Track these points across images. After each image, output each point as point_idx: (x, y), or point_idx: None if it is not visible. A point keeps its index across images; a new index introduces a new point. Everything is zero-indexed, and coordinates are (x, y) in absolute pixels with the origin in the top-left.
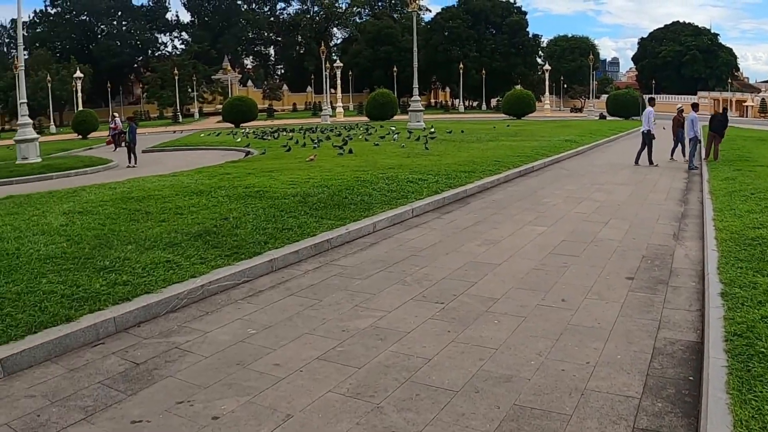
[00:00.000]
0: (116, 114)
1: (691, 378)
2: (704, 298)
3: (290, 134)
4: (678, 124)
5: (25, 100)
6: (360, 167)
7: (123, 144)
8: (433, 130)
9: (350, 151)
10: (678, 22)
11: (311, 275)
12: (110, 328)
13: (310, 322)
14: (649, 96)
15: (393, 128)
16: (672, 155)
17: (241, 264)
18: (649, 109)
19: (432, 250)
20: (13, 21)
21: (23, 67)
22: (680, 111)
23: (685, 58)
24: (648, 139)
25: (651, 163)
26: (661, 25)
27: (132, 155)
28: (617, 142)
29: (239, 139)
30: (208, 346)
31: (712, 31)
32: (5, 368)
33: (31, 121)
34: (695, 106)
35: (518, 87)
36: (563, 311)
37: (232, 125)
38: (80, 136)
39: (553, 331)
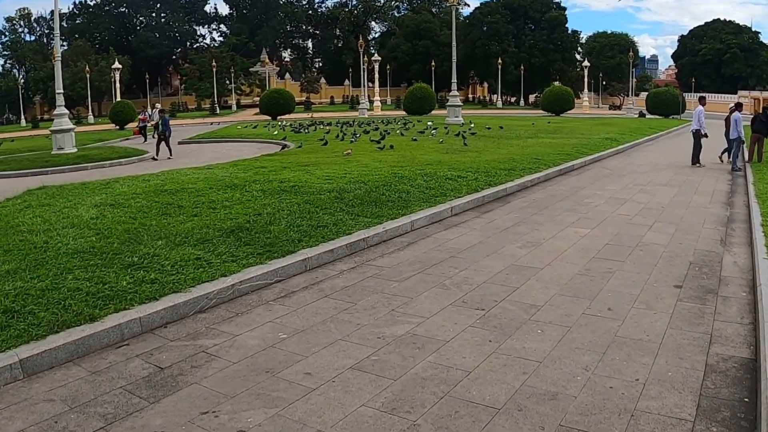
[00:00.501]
0: (156, 105)
1: (746, 400)
2: (756, 310)
3: (327, 128)
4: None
5: (62, 91)
6: (398, 163)
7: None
8: (472, 125)
9: (390, 147)
10: (718, 20)
11: (346, 276)
12: (135, 329)
13: (344, 328)
14: (700, 95)
15: (431, 123)
16: (721, 156)
17: (273, 263)
18: (699, 108)
19: (472, 252)
20: (52, 12)
21: (60, 58)
22: (732, 110)
23: (725, 57)
24: (697, 138)
25: (696, 163)
26: (702, 23)
27: (168, 147)
28: (658, 141)
29: (276, 132)
30: (236, 350)
31: (753, 29)
32: (25, 369)
33: (67, 111)
34: (739, 106)
35: (556, 83)
36: (610, 321)
37: (270, 117)
38: (117, 127)
39: (600, 344)
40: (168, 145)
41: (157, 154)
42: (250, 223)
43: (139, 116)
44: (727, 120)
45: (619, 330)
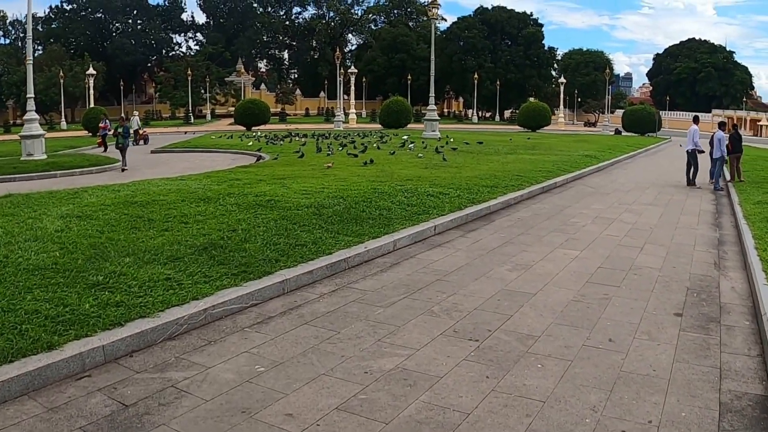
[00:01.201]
0: (134, 113)
1: None
2: (763, 341)
3: (303, 139)
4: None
5: (33, 95)
6: (377, 177)
7: (135, 143)
8: (451, 140)
9: (371, 161)
10: (693, 39)
11: (327, 300)
12: (98, 358)
13: (327, 360)
14: (694, 114)
15: (407, 137)
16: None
17: (249, 285)
18: (693, 127)
19: (459, 275)
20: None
21: (31, 61)
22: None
23: (700, 75)
24: (693, 158)
25: (692, 184)
26: (677, 42)
27: (122, 158)
28: (636, 159)
29: (250, 143)
30: (209, 386)
31: (728, 49)
32: None
33: (37, 116)
34: (722, 125)
35: (532, 99)
36: (613, 354)
37: (244, 128)
38: (90, 134)
39: (605, 380)
40: (124, 157)
41: (125, 164)
42: (224, 240)
43: (100, 125)
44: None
45: (623, 364)
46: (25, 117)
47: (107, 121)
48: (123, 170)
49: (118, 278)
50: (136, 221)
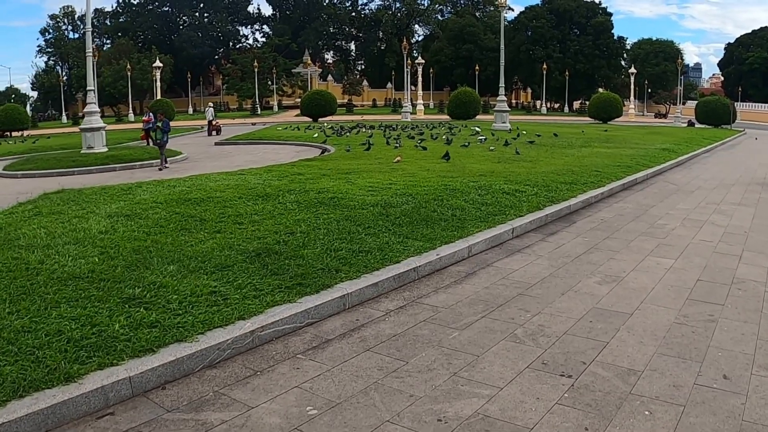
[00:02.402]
0: (210, 104)
1: None
2: None
3: (370, 131)
4: None
5: (93, 88)
6: (447, 172)
7: (211, 133)
8: (523, 132)
9: (446, 157)
10: (766, 27)
11: (394, 319)
12: (124, 392)
13: (393, 401)
14: None
15: (477, 128)
16: None
17: (304, 301)
18: None
19: (543, 288)
20: (97, 11)
21: (90, 53)
22: None
23: None
24: None
25: None
26: (749, 31)
27: (161, 156)
28: (715, 152)
29: (316, 135)
30: None
31: None
32: None
33: (98, 109)
34: None
35: (601, 90)
36: (731, 397)
37: (311, 119)
38: None
39: None
40: (162, 154)
41: (162, 163)
42: (279, 245)
43: (143, 118)
44: None
45: (745, 411)
46: (85, 110)
47: (151, 114)
48: (161, 169)
49: (157, 291)
50: (186, 221)
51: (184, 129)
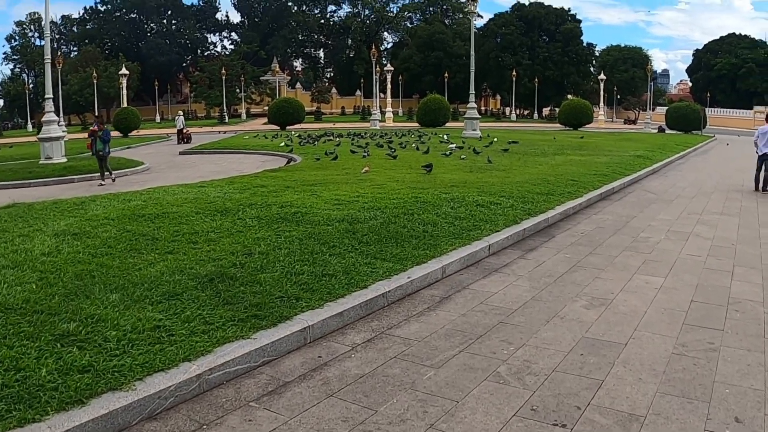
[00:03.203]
0: (179, 112)
1: None
2: None
3: (338, 140)
4: None
5: (51, 95)
6: (417, 183)
7: (180, 141)
8: (495, 139)
9: (429, 167)
10: (733, 34)
11: (361, 355)
12: None
13: None
14: (767, 112)
15: (446, 136)
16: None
17: (260, 336)
18: (765, 127)
19: (526, 314)
20: (64, 17)
21: (49, 60)
22: None
23: (741, 71)
24: (765, 161)
25: (764, 188)
26: (716, 37)
27: (106, 169)
28: (689, 159)
29: (282, 144)
30: None
31: None
32: None
33: (56, 117)
34: None
35: (570, 96)
36: None
37: (278, 127)
38: (121, 135)
39: None
40: (106, 166)
41: (103, 177)
42: (235, 268)
43: (91, 127)
44: None
45: None
46: (43, 119)
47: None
48: (101, 184)
49: (94, 326)
50: (137, 241)
51: (150, 137)
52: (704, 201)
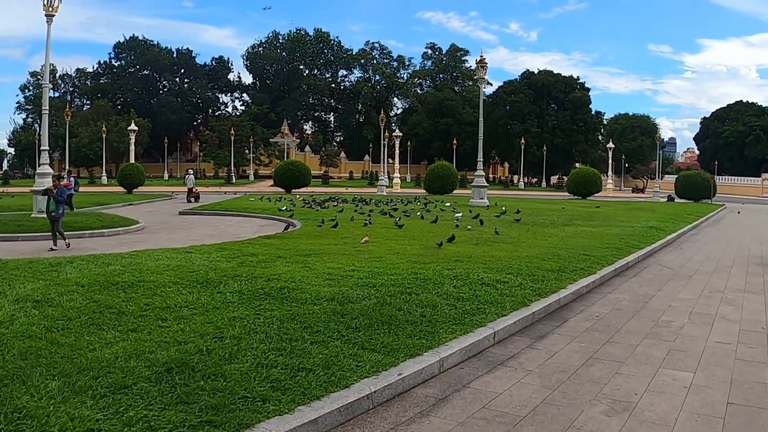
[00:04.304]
0: (189, 170)
1: None
2: None
3: (341, 205)
4: None
5: (46, 147)
6: (419, 257)
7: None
8: (504, 209)
9: (451, 239)
10: (741, 101)
11: None
12: None
13: None
14: None
15: (454, 207)
16: None
17: None
18: None
19: (536, 423)
20: (78, 70)
21: (47, 110)
22: None
23: (748, 139)
24: None
25: None
26: (723, 105)
27: (58, 232)
28: (701, 229)
29: (284, 207)
30: None
31: None
32: None
33: (51, 170)
34: None
35: (579, 165)
36: None
37: (284, 190)
38: (125, 191)
39: None
40: (59, 230)
41: (55, 242)
42: (201, 355)
43: (63, 182)
44: None
45: None
46: (37, 170)
47: (72, 177)
48: (52, 249)
49: (18, 425)
50: (102, 313)
51: (154, 195)
52: (725, 276)
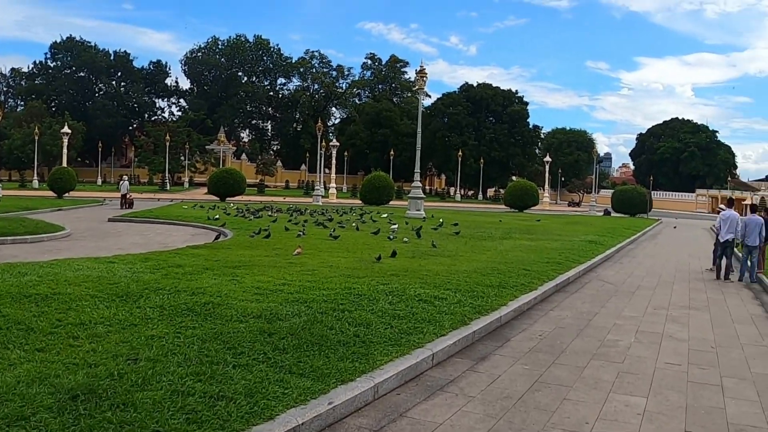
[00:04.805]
0: (123, 176)
1: None
2: None
3: (275, 215)
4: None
5: None
6: (353, 270)
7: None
8: (441, 221)
9: (393, 254)
10: (677, 119)
11: None
12: None
13: None
14: (729, 197)
15: (388, 216)
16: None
17: None
18: (732, 213)
19: None
20: (13, 70)
21: None
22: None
23: (683, 155)
24: (730, 248)
25: (725, 277)
26: (659, 122)
27: None
28: (639, 243)
29: (218, 216)
30: None
31: (711, 129)
32: None
33: None
34: (731, 202)
35: (516, 177)
36: None
37: (218, 198)
38: (56, 195)
39: None
40: None
41: None
42: (112, 380)
43: None
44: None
45: None
46: None
47: None
48: None
49: None
50: (9, 330)
51: (85, 200)
52: (667, 292)
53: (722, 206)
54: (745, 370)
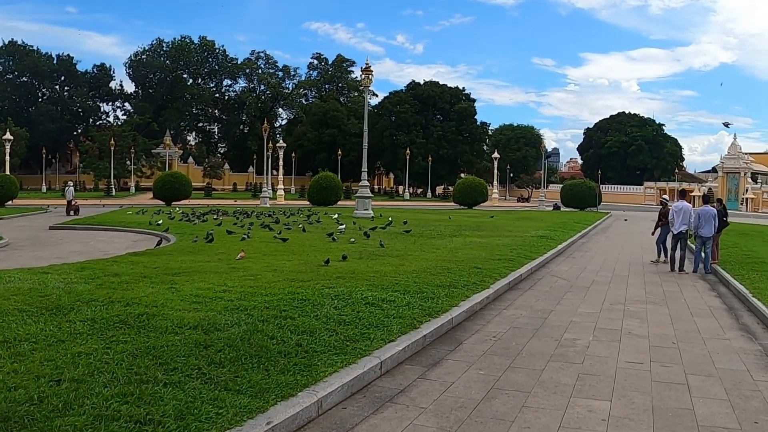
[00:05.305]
0: (68, 182)
1: None
2: None
3: (220, 218)
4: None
5: None
6: (298, 273)
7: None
8: (390, 220)
9: (344, 258)
10: (623, 113)
11: None
12: None
13: None
14: (682, 188)
15: (336, 217)
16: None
17: None
18: (685, 204)
19: None
20: None
21: None
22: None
23: (630, 149)
24: (683, 240)
25: (679, 269)
26: (606, 117)
27: None
28: (591, 237)
29: (161, 221)
30: None
31: (657, 122)
32: None
33: None
34: (683, 194)
35: (465, 175)
36: None
37: (164, 203)
38: None
39: None
40: None
41: None
42: (31, 405)
43: None
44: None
45: None
46: None
47: None
48: None
49: None
50: None
51: (28, 208)
52: (623, 287)
53: (665, 197)
54: (710, 366)
